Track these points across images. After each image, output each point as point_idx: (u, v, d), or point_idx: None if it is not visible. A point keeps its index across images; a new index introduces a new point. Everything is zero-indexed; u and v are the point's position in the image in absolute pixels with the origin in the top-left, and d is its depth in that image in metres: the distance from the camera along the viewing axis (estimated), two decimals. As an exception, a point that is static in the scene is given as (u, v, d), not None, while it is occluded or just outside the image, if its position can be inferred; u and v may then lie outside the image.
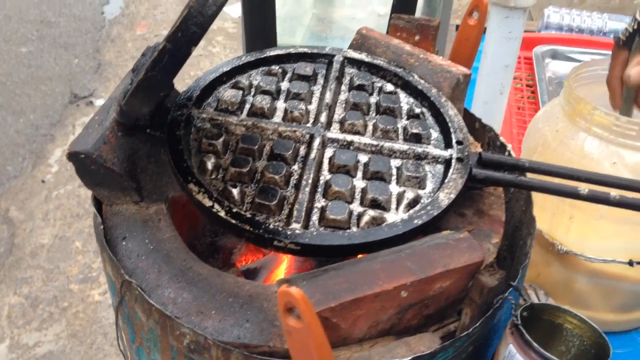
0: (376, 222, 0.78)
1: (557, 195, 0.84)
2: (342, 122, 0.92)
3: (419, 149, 0.88)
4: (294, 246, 0.74)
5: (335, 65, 1.01)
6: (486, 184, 0.87)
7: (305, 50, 1.05)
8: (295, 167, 0.85)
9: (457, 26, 1.11)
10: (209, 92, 0.96)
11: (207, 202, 0.78)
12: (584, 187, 0.81)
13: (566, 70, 1.78)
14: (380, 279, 0.70)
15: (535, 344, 0.72)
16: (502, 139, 1.00)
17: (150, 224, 0.84)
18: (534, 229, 0.85)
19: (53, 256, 2.42)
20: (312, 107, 0.95)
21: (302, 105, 0.93)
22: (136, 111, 0.82)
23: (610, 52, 1.05)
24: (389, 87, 1.00)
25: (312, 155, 0.85)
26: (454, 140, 0.89)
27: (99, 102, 3.23)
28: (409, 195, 0.82)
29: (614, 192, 0.80)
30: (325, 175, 0.85)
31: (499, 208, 0.91)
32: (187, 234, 0.95)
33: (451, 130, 0.90)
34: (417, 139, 0.90)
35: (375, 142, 0.88)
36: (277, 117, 0.93)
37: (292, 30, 2.32)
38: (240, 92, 0.95)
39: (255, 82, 0.99)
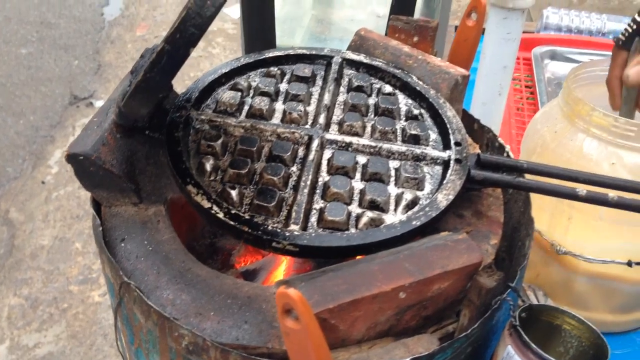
0: (375, 223, 0.79)
1: (555, 197, 0.84)
2: (340, 124, 0.92)
3: (417, 150, 0.88)
4: (293, 247, 0.74)
5: (334, 67, 1.01)
6: (485, 185, 0.87)
7: (304, 51, 1.05)
8: (294, 168, 0.85)
9: (456, 27, 1.11)
10: (207, 93, 0.96)
11: (206, 204, 0.78)
12: (582, 188, 0.81)
13: (565, 71, 1.78)
14: (378, 281, 0.70)
15: (533, 345, 0.72)
16: (500, 140, 1.00)
17: (149, 226, 0.84)
18: (533, 230, 0.85)
19: (53, 257, 2.42)
20: (311, 109, 0.95)
21: (300, 107, 0.93)
22: (135, 113, 0.82)
23: (609, 53, 1.05)
24: (388, 88, 1.00)
25: (311, 156, 0.85)
26: (452, 142, 0.89)
27: (99, 104, 3.23)
28: (408, 196, 0.82)
29: (613, 193, 0.80)
30: (324, 176, 0.85)
31: (497, 209, 0.91)
32: (185, 236, 0.95)
33: (449, 131, 0.90)
34: (415, 140, 0.90)
35: (373, 144, 0.88)
36: (276, 119, 0.93)
37: (292, 31, 2.32)
38: (239, 93, 0.95)
39: (254, 84, 0.99)
